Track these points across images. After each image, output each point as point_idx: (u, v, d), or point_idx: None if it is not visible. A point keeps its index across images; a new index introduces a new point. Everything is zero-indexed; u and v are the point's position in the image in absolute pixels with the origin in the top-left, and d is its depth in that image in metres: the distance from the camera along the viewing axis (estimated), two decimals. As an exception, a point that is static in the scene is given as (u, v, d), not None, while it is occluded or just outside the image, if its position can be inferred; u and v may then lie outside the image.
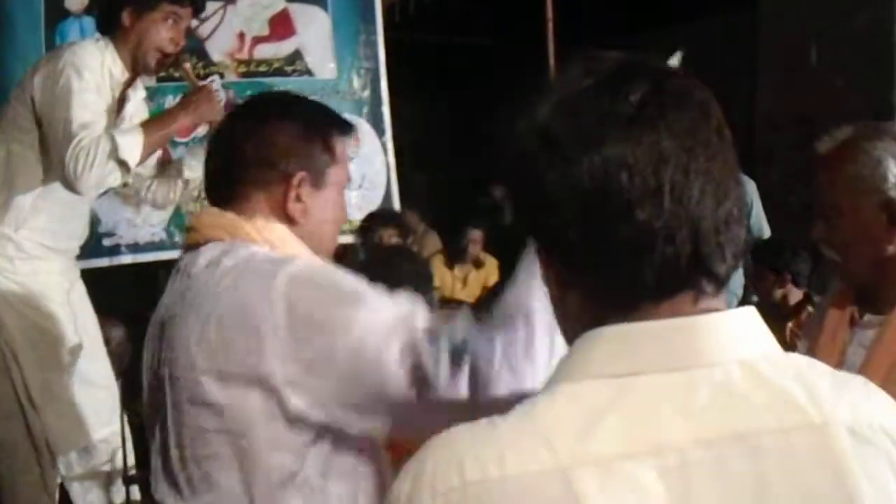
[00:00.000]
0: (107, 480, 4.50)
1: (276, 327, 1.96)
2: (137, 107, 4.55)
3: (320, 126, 2.30)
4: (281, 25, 6.41)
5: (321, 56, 6.48)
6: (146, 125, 4.22)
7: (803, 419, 1.18)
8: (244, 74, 6.31)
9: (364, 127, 6.38)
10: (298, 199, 2.23)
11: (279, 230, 2.20)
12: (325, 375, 1.96)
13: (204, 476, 2.07)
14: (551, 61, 7.45)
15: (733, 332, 1.21)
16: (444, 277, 8.63)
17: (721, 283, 1.21)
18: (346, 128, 2.36)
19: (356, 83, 6.56)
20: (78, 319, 4.45)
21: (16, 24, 5.75)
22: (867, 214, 2.49)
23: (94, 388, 4.38)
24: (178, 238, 5.67)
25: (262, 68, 6.36)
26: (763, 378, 1.19)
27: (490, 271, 8.77)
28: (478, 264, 8.73)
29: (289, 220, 2.23)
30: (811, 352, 2.62)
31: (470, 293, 8.59)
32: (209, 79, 6.12)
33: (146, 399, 2.25)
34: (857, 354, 2.55)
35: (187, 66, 4.57)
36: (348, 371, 1.96)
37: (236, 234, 2.17)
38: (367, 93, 6.56)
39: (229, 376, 1.99)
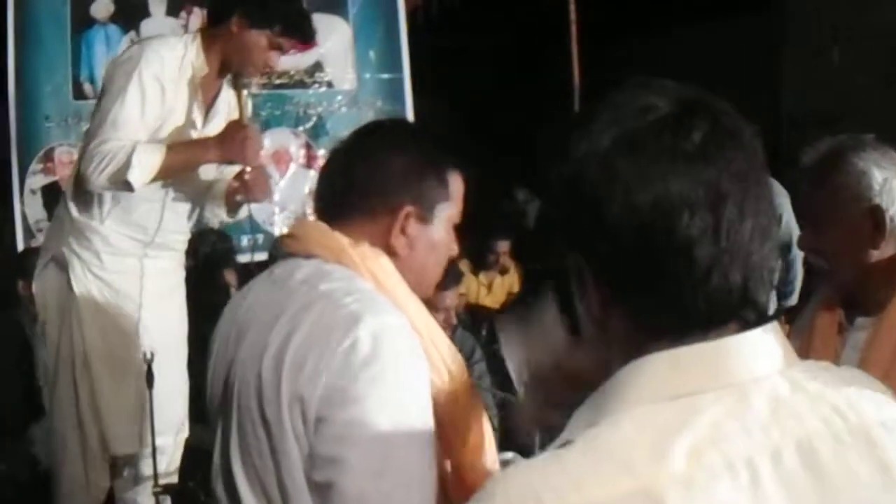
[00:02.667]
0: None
1: (336, 368, 1.97)
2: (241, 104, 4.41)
3: (436, 160, 2.25)
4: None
5: (342, 67, 6.51)
6: (173, 149, 4.08)
7: (845, 421, 1.23)
8: (265, 86, 6.34)
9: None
10: (403, 232, 2.17)
11: (383, 262, 2.15)
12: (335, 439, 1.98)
13: (255, 483, 2.09)
14: (575, 64, 7.46)
15: (770, 346, 1.25)
16: (470, 284, 8.61)
17: (762, 312, 1.26)
18: (463, 164, 2.30)
19: (376, 93, 6.57)
20: (165, 325, 4.40)
21: (42, 31, 5.81)
22: (854, 222, 2.58)
23: (159, 396, 4.23)
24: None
25: (283, 80, 6.39)
26: (802, 387, 1.24)
27: (515, 278, 8.75)
28: (503, 271, 8.71)
29: (391, 253, 2.17)
30: (804, 355, 2.66)
31: (495, 299, 8.57)
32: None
33: (211, 397, 2.27)
34: (850, 356, 2.62)
35: (245, 94, 4.36)
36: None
37: (340, 258, 2.13)
38: (388, 102, 6.56)
39: (288, 396, 2.00)
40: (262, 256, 6.00)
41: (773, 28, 9.39)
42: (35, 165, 5.96)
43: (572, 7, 7.47)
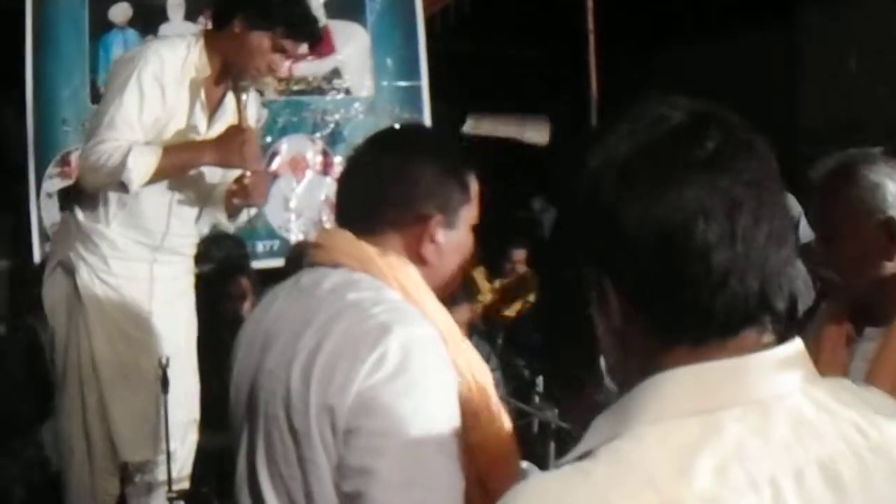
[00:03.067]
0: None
1: (365, 378, 1.98)
2: (251, 112, 4.39)
3: (458, 166, 2.27)
4: (320, 43, 6.42)
5: (359, 74, 6.51)
6: (169, 150, 4.06)
7: (866, 440, 1.24)
8: (283, 93, 6.35)
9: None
10: (432, 240, 2.20)
11: (410, 272, 2.17)
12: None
13: (281, 491, 2.10)
14: (592, 73, 7.45)
15: (793, 363, 1.26)
16: (485, 291, 8.62)
17: (780, 319, 1.28)
18: (475, 166, 2.32)
19: (394, 100, 6.57)
20: (173, 331, 4.37)
21: (60, 36, 5.83)
22: (868, 234, 2.62)
23: (171, 403, 4.22)
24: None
25: (301, 86, 6.40)
26: (824, 405, 1.25)
27: (530, 286, 8.74)
28: (520, 278, 8.71)
29: (421, 261, 2.20)
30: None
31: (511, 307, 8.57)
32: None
33: (236, 403, 2.28)
34: (859, 368, 2.65)
35: (244, 98, 4.25)
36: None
37: (368, 268, 2.15)
38: (406, 110, 6.56)
39: (317, 405, 2.01)
40: (277, 263, 6.00)
41: (790, 40, 9.37)
42: (52, 169, 5.95)
43: (590, 17, 7.46)
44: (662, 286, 1.24)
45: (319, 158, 6.41)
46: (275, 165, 6.31)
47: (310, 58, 6.38)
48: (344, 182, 2.36)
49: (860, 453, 1.23)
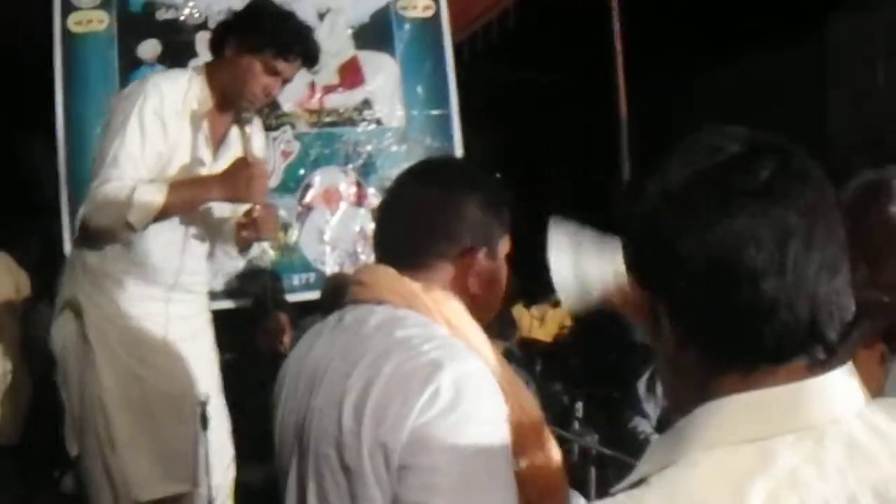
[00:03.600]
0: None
1: (419, 415, 1.98)
2: (256, 143, 4.29)
3: (498, 199, 2.30)
4: (350, 74, 6.46)
5: (389, 104, 6.51)
6: (175, 187, 3.98)
7: None
8: (315, 125, 6.36)
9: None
10: (477, 272, 2.23)
11: (454, 305, 2.19)
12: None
13: None
14: (621, 97, 7.44)
15: (845, 387, 1.29)
16: (522, 317, 8.62)
17: (832, 350, 1.29)
18: (513, 197, 2.34)
19: (425, 130, 6.57)
20: (192, 370, 4.27)
21: (89, 73, 5.85)
22: None
23: (184, 442, 4.19)
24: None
25: (332, 118, 6.41)
26: (878, 429, 1.26)
27: (567, 311, 8.74)
28: (555, 304, 8.71)
29: (467, 293, 2.23)
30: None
31: (547, 332, 8.57)
32: (280, 130, 6.20)
33: (282, 442, 2.28)
34: (894, 386, 2.60)
35: (248, 130, 4.16)
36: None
37: (413, 305, 2.16)
38: (437, 139, 6.56)
39: (370, 443, 2.01)
40: (313, 295, 6.00)
41: (818, 53, 9.35)
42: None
43: (618, 41, 7.46)
44: (713, 313, 1.26)
45: (353, 190, 6.41)
46: (308, 198, 6.31)
47: (340, 89, 6.41)
48: (384, 215, 2.36)
49: None
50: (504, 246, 2.30)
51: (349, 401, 2.05)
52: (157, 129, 4.02)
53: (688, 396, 1.30)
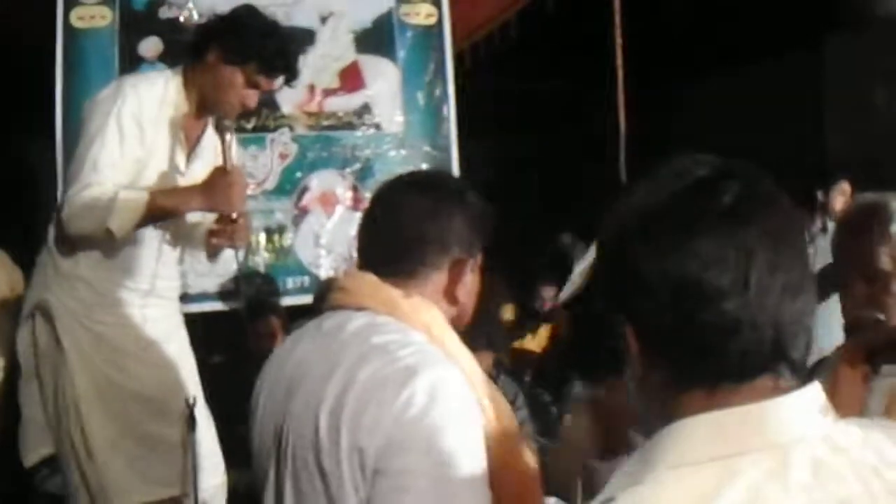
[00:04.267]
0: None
1: (394, 420, 2.02)
2: (235, 149, 4.28)
3: (485, 214, 2.36)
4: (351, 78, 6.46)
5: (389, 109, 6.51)
6: (156, 196, 3.96)
7: (883, 482, 1.26)
8: (313, 128, 6.35)
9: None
10: (465, 283, 2.30)
11: (434, 314, 2.23)
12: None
13: None
14: (621, 108, 7.44)
15: (810, 407, 1.29)
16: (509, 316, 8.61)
17: (796, 368, 1.31)
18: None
19: (424, 136, 6.56)
20: (166, 373, 4.27)
21: (89, 70, 5.82)
22: None
23: (164, 446, 4.21)
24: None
25: (331, 122, 6.40)
26: (842, 448, 1.27)
27: (559, 323, 8.73)
28: (546, 316, 8.70)
29: (453, 301, 2.29)
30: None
31: (539, 344, 8.56)
32: (279, 131, 6.19)
33: (260, 446, 2.31)
34: (876, 402, 2.63)
35: (228, 138, 4.10)
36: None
37: (392, 311, 2.20)
38: (435, 146, 6.56)
39: (348, 447, 2.05)
40: (308, 299, 5.99)
41: (815, 70, 9.36)
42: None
43: (619, 52, 7.46)
44: (677, 332, 1.28)
45: (350, 194, 6.40)
46: (304, 201, 6.31)
47: (340, 93, 6.41)
48: (371, 222, 2.38)
49: (876, 496, 1.25)
50: (481, 257, 2.36)
51: (326, 406, 2.09)
52: (135, 134, 4.02)
53: (657, 416, 1.32)
